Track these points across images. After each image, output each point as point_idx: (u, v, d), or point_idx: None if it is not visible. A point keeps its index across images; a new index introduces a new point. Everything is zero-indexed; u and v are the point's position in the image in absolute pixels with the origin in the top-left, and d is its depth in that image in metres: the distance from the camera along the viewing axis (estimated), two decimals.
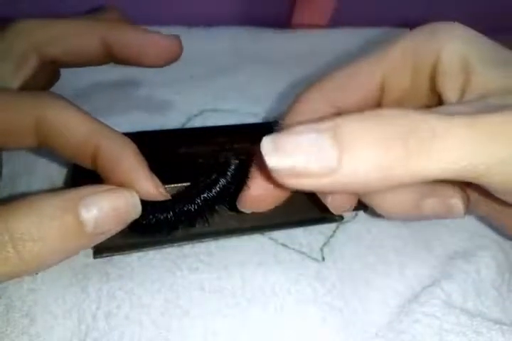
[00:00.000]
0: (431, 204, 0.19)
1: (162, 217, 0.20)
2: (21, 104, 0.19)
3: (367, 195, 0.20)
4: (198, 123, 0.33)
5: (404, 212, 0.19)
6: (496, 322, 0.22)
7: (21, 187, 0.27)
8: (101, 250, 0.23)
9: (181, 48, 0.25)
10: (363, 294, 0.23)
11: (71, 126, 0.19)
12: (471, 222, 0.28)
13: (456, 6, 0.47)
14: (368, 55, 0.21)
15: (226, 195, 0.21)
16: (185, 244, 0.24)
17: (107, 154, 0.19)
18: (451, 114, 0.14)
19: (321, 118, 0.15)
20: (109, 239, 0.18)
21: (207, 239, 0.25)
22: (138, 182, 0.18)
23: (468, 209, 0.20)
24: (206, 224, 0.21)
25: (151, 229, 0.21)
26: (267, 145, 0.15)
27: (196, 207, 0.21)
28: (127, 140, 0.20)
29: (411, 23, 0.42)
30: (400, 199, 0.19)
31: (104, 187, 0.18)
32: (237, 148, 0.26)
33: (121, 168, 0.19)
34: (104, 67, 0.26)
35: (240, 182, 0.20)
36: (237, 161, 0.21)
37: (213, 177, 0.21)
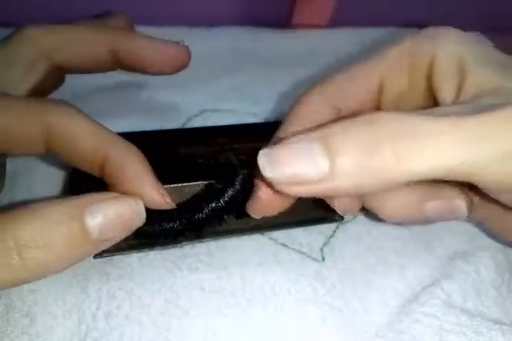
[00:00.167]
0: (434, 206, 0.19)
1: (168, 226, 0.21)
2: (32, 112, 0.19)
3: (368, 199, 0.20)
4: (198, 123, 0.33)
5: (407, 215, 0.19)
6: (496, 322, 0.22)
7: (21, 189, 0.27)
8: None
9: (189, 56, 0.25)
10: (363, 294, 0.23)
11: (80, 135, 0.19)
12: (471, 223, 0.28)
13: (456, 6, 0.47)
14: (366, 57, 0.21)
15: (234, 205, 0.21)
16: (185, 244, 0.24)
17: (115, 163, 0.19)
18: (446, 115, 0.15)
19: (312, 128, 0.16)
20: None
21: (207, 239, 0.25)
22: (143, 190, 0.19)
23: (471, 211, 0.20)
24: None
25: (156, 236, 0.21)
26: (263, 159, 0.16)
27: (204, 217, 0.21)
28: (134, 148, 0.20)
29: (411, 23, 0.42)
30: (403, 202, 0.19)
31: (110, 194, 0.18)
32: (237, 148, 0.26)
33: (128, 176, 0.19)
34: None
35: (247, 190, 0.21)
36: (245, 171, 0.21)
37: (221, 186, 0.21)
